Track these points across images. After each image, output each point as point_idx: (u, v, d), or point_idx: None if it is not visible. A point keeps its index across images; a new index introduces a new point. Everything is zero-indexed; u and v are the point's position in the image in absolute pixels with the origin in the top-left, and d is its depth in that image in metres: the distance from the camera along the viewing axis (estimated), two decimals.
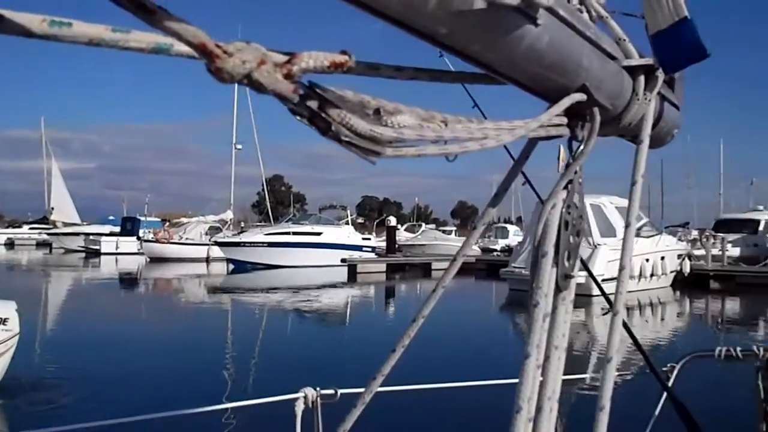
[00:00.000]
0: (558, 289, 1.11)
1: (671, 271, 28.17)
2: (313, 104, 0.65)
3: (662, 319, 21.60)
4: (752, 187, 65.41)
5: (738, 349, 3.56)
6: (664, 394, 3.34)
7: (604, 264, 23.72)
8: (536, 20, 0.89)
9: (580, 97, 1.07)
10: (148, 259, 44.49)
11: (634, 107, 1.22)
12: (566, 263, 1.10)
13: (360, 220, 62.77)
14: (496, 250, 46.85)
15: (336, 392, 2.77)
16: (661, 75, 1.24)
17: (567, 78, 1.04)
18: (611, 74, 1.16)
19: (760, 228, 36.48)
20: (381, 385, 1.47)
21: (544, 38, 0.93)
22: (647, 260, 26.00)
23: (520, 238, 24.52)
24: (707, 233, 34.90)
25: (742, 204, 56.21)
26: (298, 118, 0.65)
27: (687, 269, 29.15)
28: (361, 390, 1.44)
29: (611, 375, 1.13)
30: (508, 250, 39.74)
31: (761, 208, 42.51)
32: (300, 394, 2.81)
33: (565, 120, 1.08)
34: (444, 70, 0.99)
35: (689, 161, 73.71)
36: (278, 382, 8.96)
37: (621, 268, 1.18)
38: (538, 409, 1.05)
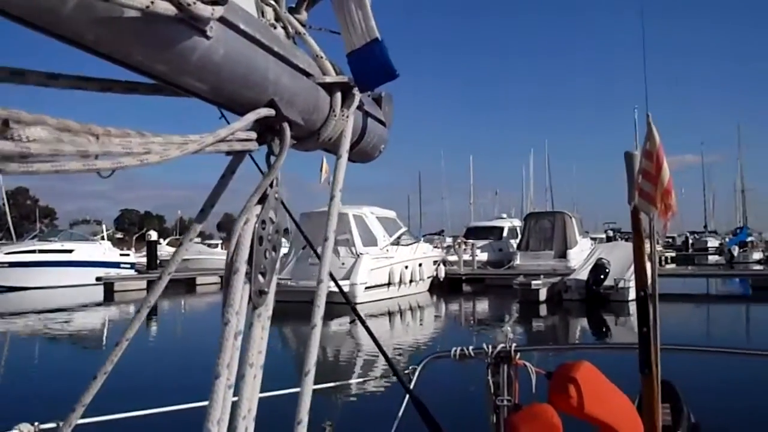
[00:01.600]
0: (253, 306, 1.09)
1: (428, 277, 30.01)
2: None
3: (420, 323, 22.89)
4: (497, 197, 72.09)
5: (471, 348, 3.82)
6: (407, 396, 3.49)
7: (367, 272, 24.70)
8: (206, 32, 0.86)
9: (268, 112, 1.06)
10: None
11: (331, 123, 1.24)
12: (261, 279, 1.09)
13: (119, 235, 58.92)
14: None
15: (58, 425, 2.53)
16: (357, 93, 1.28)
17: (253, 92, 1.03)
18: (305, 90, 1.17)
19: (504, 234, 40.26)
20: (86, 416, 1.36)
21: (219, 51, 0.90)
22: (406, 267, 27.44)
23: (285, 250, 24.57)
24: (459, 240, 37.75)
25: (489, 212, 61.76)
26: None
27: (442, 274, 31.15)
28: (87, 421, 1.32)
29: (309, 388, 1.13)
30: None
31: (504, 216, 47.02)
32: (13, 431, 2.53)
33: (253, 134, 1.07)
34: (114, 80, 0.93)
35: (443, 174, 79.61)
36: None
37: (318, 282, 1.18)
38: (233, 429, 1.02)
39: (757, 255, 54.01)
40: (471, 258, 34.25)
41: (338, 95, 1.24)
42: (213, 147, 0.96)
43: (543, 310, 23.64)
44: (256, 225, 1.08)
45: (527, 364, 3.60)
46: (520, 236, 36.58)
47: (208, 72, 0.91)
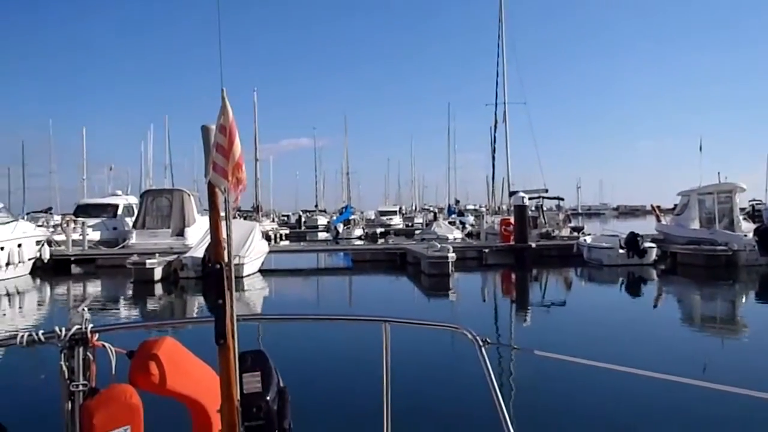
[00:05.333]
0: None
1: (30, 259, 27.28)
2: None
3: (19, 310, 20.70)
4: (112, 173, 68.19)
5: (41, 332, 3.47)
6: None
7: None
8: None
9: None
10: None
11: None
12: None
13: None
14: None
15: None
16: None
17: None
18: None
19: (119, 212, 38.40)
20: None
21: None
22: (2, 248, 24.63)
23: None
24: (68, 218, 35.02)
25: (104, 189, 58.35)
26: None
27: (47, 255, 28.65)
28: None
29: None
30: None
31: (120, 192, 44.82)
32: None
33: None
34: None
35: (52, 146, 73.12)
36: None
37: None
38: None
39: (358, 231, 60.56)
40: (81, 237, 32.03)
41: None
42: None
43: (158, 289, 23.19)
44: None
45: (106, 344, 3.39)
46: (136, 214, 35.31)
47: None
